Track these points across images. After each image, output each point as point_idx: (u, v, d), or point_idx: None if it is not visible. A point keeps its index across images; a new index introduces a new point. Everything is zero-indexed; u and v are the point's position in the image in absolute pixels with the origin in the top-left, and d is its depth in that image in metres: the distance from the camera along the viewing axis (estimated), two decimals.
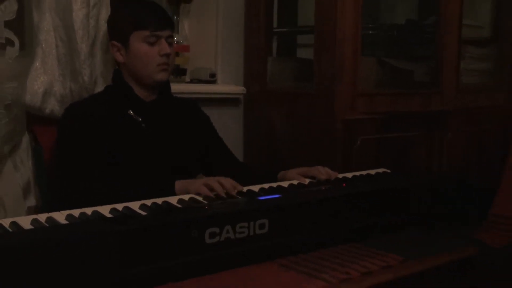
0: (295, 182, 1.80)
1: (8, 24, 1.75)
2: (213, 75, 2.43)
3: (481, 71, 2.78)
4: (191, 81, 2.46)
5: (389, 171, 2.03)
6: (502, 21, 2.73)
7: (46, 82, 1.84)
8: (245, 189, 1.65)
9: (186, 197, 1.58)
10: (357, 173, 1.93)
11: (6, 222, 1.29)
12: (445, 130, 2.45)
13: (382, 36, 2.63)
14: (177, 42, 2.37)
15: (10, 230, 1.26)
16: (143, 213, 1.42)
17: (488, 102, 2.65)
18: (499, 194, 2.38)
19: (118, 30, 1.83)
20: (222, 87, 2.45)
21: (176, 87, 2.10)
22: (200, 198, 1.58)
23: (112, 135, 1.77)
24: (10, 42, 1.76)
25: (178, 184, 1.66)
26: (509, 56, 2.71)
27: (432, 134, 2.43)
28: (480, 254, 1.66)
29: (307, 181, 1.80)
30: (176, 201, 1.54)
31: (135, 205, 1.47)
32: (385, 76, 2.46)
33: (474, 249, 1.66)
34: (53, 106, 1.86)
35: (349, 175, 1.90)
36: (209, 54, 2.48)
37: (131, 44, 1.80)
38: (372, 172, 1.99)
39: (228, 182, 1.61)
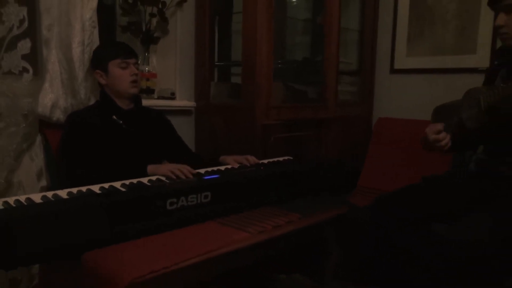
0: (229, 166, 1.79)
1: (24, 57, 1.68)
2: (173, 94, 2.39)
3: (351, 92, 2.85)
4: (158, 98, 2.40)
5: (292, 158, 2.06)
6: (363, 60, 2.81)
7: (53, 98, 1.77)
8: (195, 171, 1.64)
9: (153, 177, 1.55)
10: (271, 160, 1.95)
11: (22, 198, 1.24)
12: (328, 131, 2.50)
13: (287, 68, 2.66)
14: (148, 71, 2.32)
15: (25, 203, 1.20)
16: (123, 189, 1.38)
17: (356, 112, 2.72)
18: (363, 172, 2.46)
19: (100, 61, 1.78)
20: (179, 102, 2.42)
21: (147, 102, 2.06)
22: (163, 178, 1.55)
23: (101, 134, 1.72)
24: (26, 70, 1.69)
25: (150, 167, 1.63)
26: (368, 82, 2.80)
27: (320, 134, 2.47)
28: (350, 211, 1.71)
29: (237, 165, 1.81)
30: (146, 181, 1.51)
31: (117, 184, 1.43)
32: (289, 94, 2.48)
33: (346, 208, 1.72)
34: (59, 116, 1.79)
35: (265, 161, 1.92)
36: (170, 79, 2.44)
37: (109, 70, 1.76)
38: (281, 159, 2.01)
39: (185, 169, 1.59)
